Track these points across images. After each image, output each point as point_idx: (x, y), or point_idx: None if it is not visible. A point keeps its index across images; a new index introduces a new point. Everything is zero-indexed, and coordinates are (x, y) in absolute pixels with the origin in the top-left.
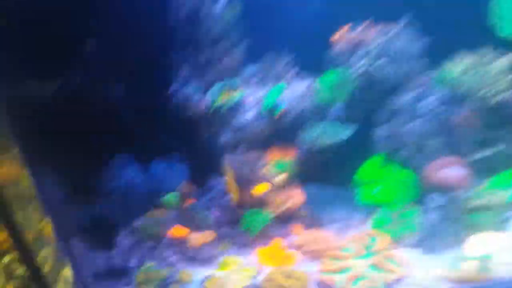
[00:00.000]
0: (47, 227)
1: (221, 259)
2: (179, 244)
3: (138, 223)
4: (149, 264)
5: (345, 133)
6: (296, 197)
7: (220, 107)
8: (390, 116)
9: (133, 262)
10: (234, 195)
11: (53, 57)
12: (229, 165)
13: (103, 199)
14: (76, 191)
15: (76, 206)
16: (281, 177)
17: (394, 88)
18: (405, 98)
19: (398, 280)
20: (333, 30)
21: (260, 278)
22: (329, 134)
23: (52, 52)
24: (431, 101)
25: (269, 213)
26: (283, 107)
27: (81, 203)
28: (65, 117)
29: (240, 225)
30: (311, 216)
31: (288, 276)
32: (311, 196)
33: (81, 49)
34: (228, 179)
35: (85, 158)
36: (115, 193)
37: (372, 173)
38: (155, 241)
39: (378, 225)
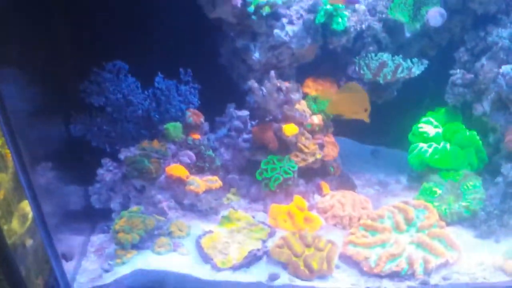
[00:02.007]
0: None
1: (226, 213)
2: (175, 188)
3: (126, 153)
4: (135, 208)
5: (417, 67)
6: (329, 148)
7: (259, 8)
8: (477, 51)
9: (114, 204)
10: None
11: None
12: (255, 93)
13: (84, 118)
14: (49, 103)
15: (48, 123)
16: (315, 119)
17: (494, 17)
18: (505, 31)
19: (444, 266)
20: None
21: (271, 243)
22: (393, 66)
23: None
24: None
25: (294, 163)
26: (341, 23)
27: (55, 120)
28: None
29: (255, 173)
30: (343, 175)
31: (307, 244)
32: (347, 152)
33: None
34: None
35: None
36: (100, 111)
37: (431, 129)
38: (145, 180)
39: (427, 196)
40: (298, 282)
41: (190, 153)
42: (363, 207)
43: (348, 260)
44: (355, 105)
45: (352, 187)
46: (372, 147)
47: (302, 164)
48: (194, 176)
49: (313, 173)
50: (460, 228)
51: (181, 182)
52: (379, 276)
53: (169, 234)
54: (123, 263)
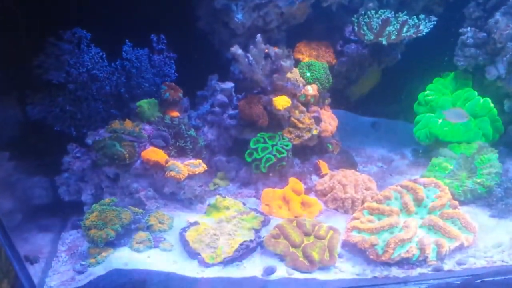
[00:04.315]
0: None
1: (212, 201)
2: (154, 174)
3: (95, 137)
4: (108, 199)
5: (424, 25)
6: (326, 122)
7: None
8: (490, 6)
9: (85, 195)
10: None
11: None
12: (239, 61)
13: (43, 98)
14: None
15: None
16: (310, 89)
17: None
18: None
19: (458, 250)
20: None
21: (265, 233)
22: (398, 24)
23: None
24: None
25: (287, 140)
26: None
27: (8, 102)
28: None
29: (243, 154)
30: (343, 152)
31: (306, 233)
32: (344, 126)
33: None
34: None
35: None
36: (61, 89)
37: (440, 98)
38: (118, 167)
39: (437, 172)
40: (297, 275)
41: (165, 134)
42: (366, 187)
43: (353, 248)
44: None
45: (353, 165)
46: (372, 119)
47: (296, 141)
48: (175, 160)
49: (310, 152)
50: (475, 207)
51: (159, 167)
52: (388, 264)
53: (149, 228)
54: (98, 263)
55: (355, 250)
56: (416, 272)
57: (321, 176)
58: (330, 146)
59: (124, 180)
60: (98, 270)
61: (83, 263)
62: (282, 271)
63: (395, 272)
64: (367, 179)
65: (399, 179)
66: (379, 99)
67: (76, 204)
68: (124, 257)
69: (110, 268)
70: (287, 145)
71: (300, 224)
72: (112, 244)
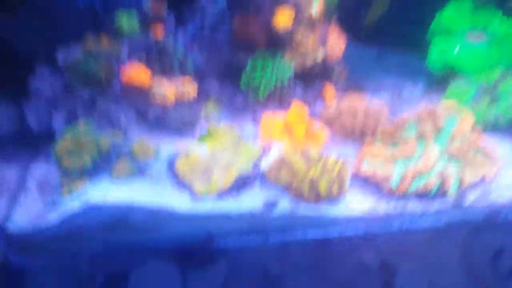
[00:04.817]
0: None
1: (205, 128)
2: (136, 97)
3: (66, 55)
4: (83, 124)
5: None
6: (333, 43)
7: None
8: None
9: (57, 123)
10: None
11: None
12: None
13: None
14: None
15: None
16: (315, 3)
17: None
18: None
19: (481, 183)
20: None
21: (266, 163)
22: None
23: None
24: None
25: (290, 61)
26: None
27: None
28: None
29: (238, 80)
30: (350, 80)
31: (312, 163)
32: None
33: None
34: None
35: None
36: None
37: (457, 22)
38: (94, 90)
39: (457, 100)
40: (303, 209)
41: (147, 52)
42: (378, 114)
43: (364, 181)
44: None
45: (360, 94)
46: (378, 49)
47: (299, 65)
48: (161, 79)
49: (314, 77)
50: (497, 137)
51: (142, 89)
52: (403, 197)
53: (131, 156)
54: (72, 196)
55: (367, 183)
56: (434, 207)
57: (327, 104)
58: (336, 72)
59: (102, 105)
60: (73, 205)
61: (55, 196)
62: (285, 205)
63: (412, 206)
64: (378, 104)
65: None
66: (387, 26)
67: (46, 133)
68: (103, 189)
69: (86, 202)
70: (288, 69)
71: (305, 153)
72: (88, 173)
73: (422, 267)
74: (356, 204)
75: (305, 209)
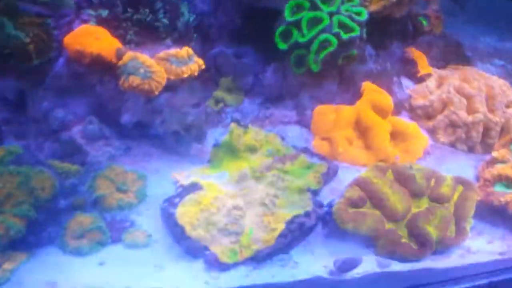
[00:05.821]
0: None
1: (222, 135)
2: (96, 85)
3: None
4: (3, 150)
5: None
6: None
7: None
8: None
9: None
10: None
11: None
12: None
13: None
14: None
15: None
16: None
17: None
18: None
19: None
20: None
21: (331, 194)
22: None
23: None
24: None
25: (358, 3)
26: None
27: None
28: None
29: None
30: (446, 35)
31: (415, 191)
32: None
33: None
34: None
35: None
36: None
37: None
38: (20, 77)
39: None
40: (396, 265)
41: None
42: (508, 102)
43: (492, 213)
44: None
45: (466, 59)
46: None
47: (375, 6)
48: (136, 50)
49: (390, 32)
50: None
51: (106, 68)
52: None
53: (97, 202)
54: None
55: (493, 215)
56: None
57: (419, 80)
58: (425, 22)
59: (36, 103)
60: None
61: None
62: (368, 265)
63: None
64: (504, 85)
65: None
66: None
67: None
68: (50, 269)
69: None
70: (359, 14)
71: (403, 174)
72: (23, 244)
73: None
74: (479, 250)
75: (400, 265)
